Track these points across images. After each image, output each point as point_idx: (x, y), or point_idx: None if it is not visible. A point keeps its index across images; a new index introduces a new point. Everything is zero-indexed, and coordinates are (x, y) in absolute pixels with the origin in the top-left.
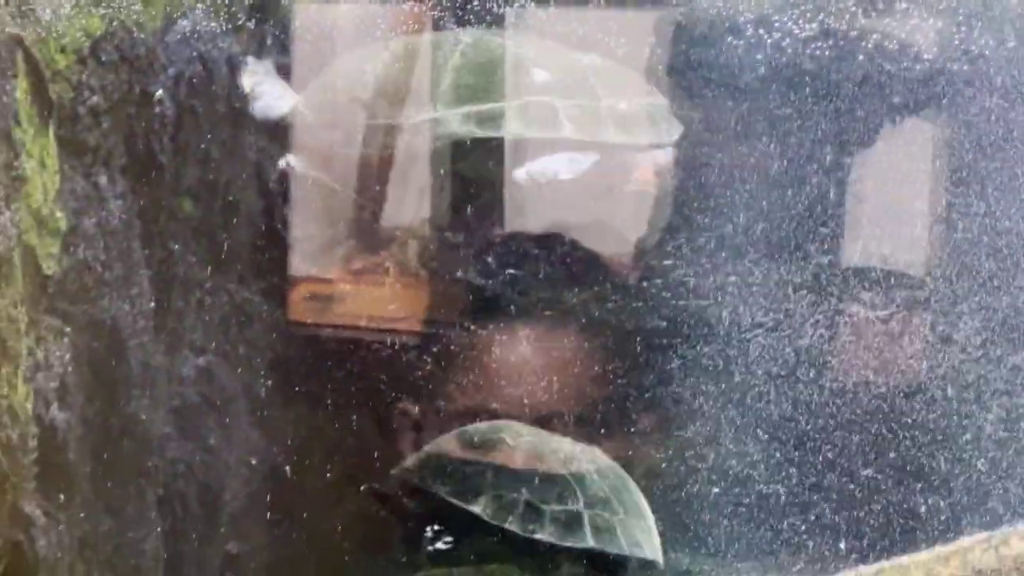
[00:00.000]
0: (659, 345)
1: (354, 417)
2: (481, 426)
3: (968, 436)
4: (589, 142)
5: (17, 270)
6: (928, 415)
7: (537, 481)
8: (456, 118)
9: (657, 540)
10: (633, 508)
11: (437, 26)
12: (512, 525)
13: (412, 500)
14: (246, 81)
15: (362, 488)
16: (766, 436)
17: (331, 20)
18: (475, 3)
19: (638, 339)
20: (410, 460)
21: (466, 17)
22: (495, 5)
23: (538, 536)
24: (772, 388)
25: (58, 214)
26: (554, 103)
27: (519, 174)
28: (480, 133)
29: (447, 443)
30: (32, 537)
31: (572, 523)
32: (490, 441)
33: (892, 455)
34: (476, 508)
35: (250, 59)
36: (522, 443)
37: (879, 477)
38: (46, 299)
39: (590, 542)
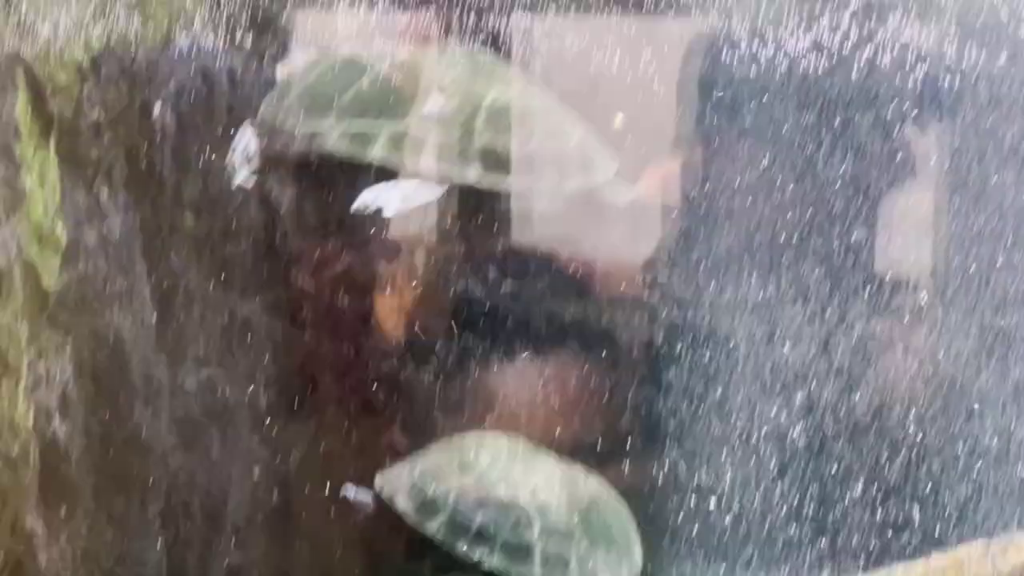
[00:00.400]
0: (659, 363)
1: (358, 428)
2: (467, 439)
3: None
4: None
5: (18, 284)
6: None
7: (496, 507)
8: (334, 134)
9: (630, 571)
10: (603, 538)
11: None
12: (461, 549)
13: (384, 509)
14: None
15: (341, 494)
16: (768, 450)
17: (331, 35)
18: (474, 14)
19: (637, 355)
20: (392, 469)
21: (464, 28)
22: (492, 16)
23: (485, 564)
24: (773, 401)
25: (59, 228)
26: (427, 135)
27: (358, 201)
28: (347, 152)
29: (426, 456)
30: (33, 551)
31: (522, 553)
32: (465, 459)
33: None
34: (430, 528)
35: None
36: (496, 464)
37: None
38: (47, 313)
39: (537, 574)
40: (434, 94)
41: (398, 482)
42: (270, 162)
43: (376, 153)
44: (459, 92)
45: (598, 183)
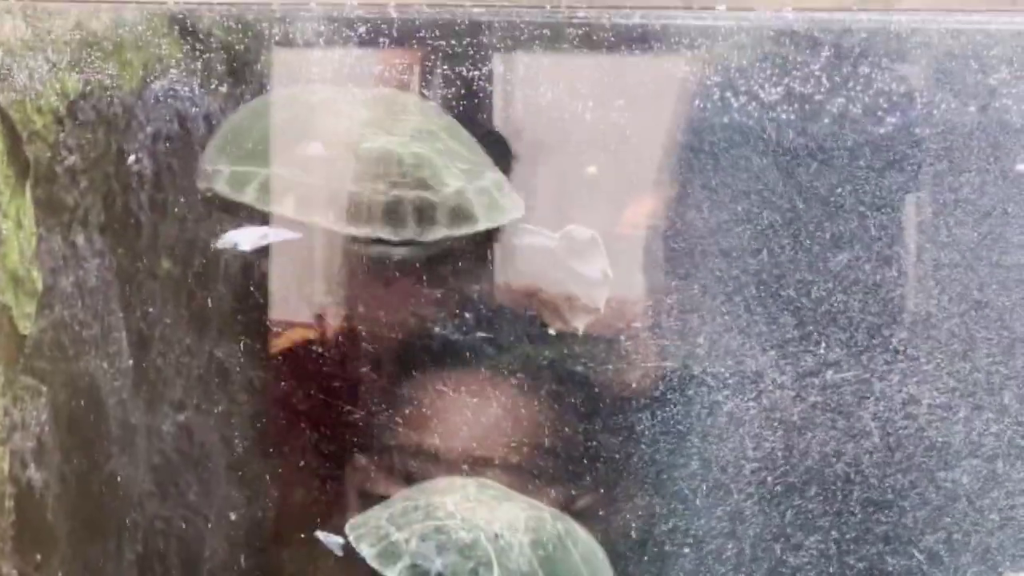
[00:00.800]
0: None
1: (334, 472)
2: (436, 483)
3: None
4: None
5: None
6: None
7: (456, 551)
8: (221, 175)
9: None
10: None
11: (424, 77)
12: None
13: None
14: None
15: (315, 535)
16: (745, 494)
17: (307, 78)
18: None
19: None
20: (361, 515)
21: (444, 68)
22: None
23: None
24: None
25: (35, 274)
26: (293, 179)
27: (222, 239)
28: (227, 194)
29: (394, 501)
30: None
31: None
32: (429, 504)
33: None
34: (391, 574)
35: None
36: (460, 508)
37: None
38: (22, 359)
39: None
40: (316, 141)
41: (364, 528)
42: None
43: (248, 196)
44: (342, 137)
45: (479, 229)
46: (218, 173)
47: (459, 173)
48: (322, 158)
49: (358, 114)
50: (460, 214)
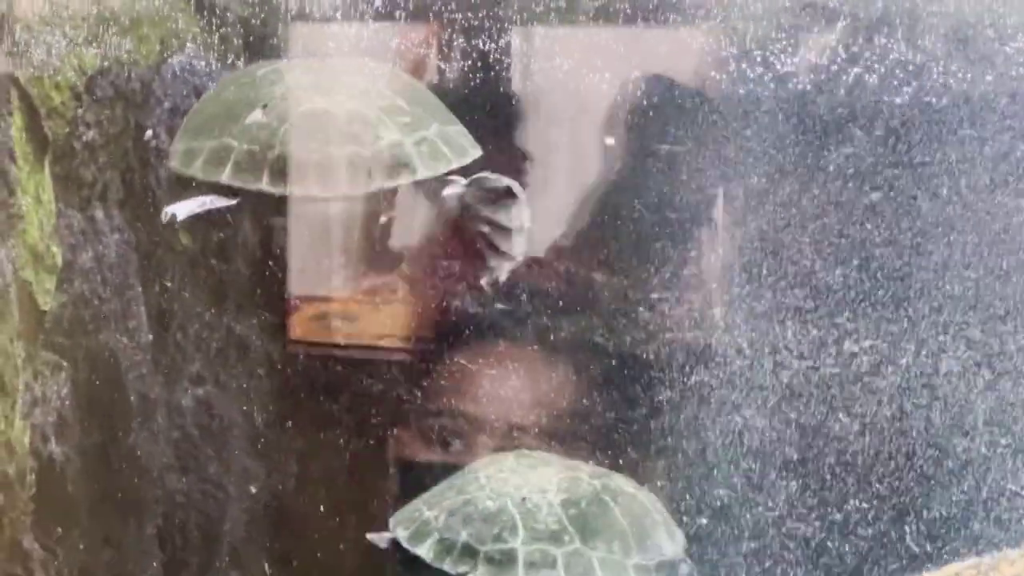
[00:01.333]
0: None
1: (359, 444)
2: (478, 462)
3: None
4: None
5: (13, 305)
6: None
7: (481, 520)
8: (176, 153)
9: (648, 560)
10: (603, 535)
11: (441, 51)
12: (447, 566)
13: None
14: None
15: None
16: (756, 465)
17: (324, 52)
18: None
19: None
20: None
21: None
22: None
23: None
24: (763, 417)
25: (54, 249)
26: (234, 146)
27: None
28: (179, 171)
29: (436, 486)
30: (31, 571)
31: (505, 560)
32: (464, 481)
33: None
34: (421, 551)
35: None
36: (493, 480)
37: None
38: (43, 334)
39: None
40: (257, 108)
41: (403, 515)
42: None
43: (196, 170)
44: (283, 103)
45: (418, 178)
46: (175, 152)
47: (396, 127)
48: (260, 125)
49: (299, 80)
50: (397, 165)
